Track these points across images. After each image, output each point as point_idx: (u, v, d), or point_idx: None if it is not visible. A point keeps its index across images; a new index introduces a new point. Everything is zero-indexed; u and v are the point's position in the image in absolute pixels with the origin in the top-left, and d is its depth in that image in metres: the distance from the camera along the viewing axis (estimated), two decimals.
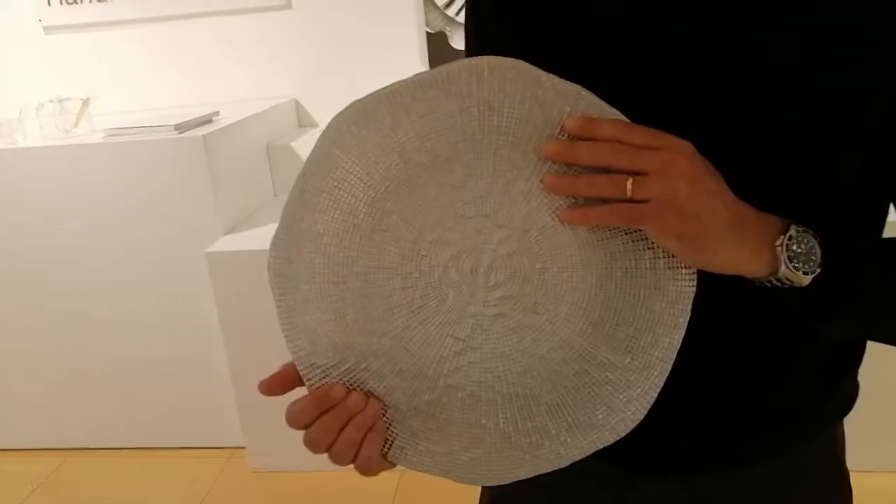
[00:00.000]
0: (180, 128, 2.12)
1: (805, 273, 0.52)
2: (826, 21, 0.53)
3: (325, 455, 0.55)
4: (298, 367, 0.56)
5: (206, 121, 2.25)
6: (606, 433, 0.56)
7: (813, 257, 0.52)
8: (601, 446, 0.56)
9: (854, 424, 0.75)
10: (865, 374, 0.70)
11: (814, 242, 0.52)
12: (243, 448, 2.27)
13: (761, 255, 0.52)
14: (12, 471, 2.40)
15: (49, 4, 2.58)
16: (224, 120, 2.28)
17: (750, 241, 0.51)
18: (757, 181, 0.54)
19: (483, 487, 0.86)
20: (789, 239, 0.52)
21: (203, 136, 2.08)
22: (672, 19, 0.56)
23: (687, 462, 0.66)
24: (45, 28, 2.62)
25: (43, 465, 2.38)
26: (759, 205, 0.54)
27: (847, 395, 0.70)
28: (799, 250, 0.52)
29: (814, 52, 0.53)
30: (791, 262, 0.51)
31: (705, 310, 0.56)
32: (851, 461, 0.74)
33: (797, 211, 0.54)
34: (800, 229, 0.52)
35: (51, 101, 2.28)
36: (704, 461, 0.66)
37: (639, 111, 0.53)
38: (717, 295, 0.57)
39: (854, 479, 0.74)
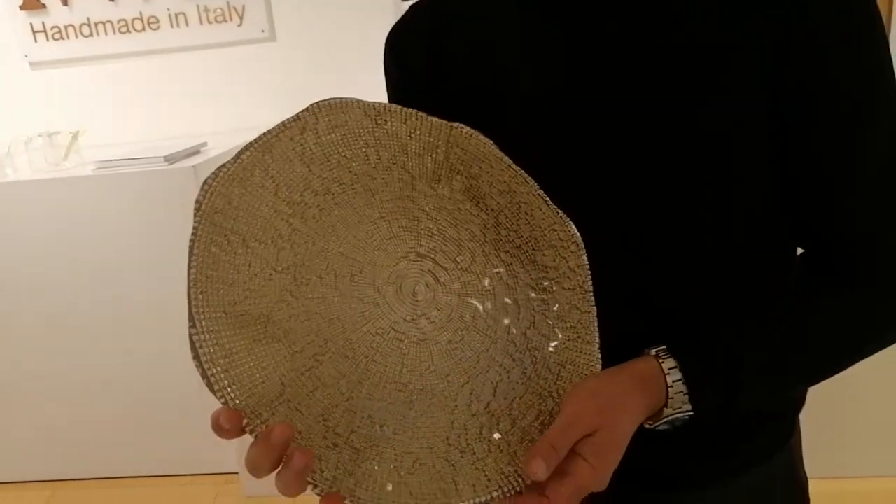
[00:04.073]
0: (170, 159, 2.16)
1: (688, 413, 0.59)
2: (710, 41, 0.58)
3: None
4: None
5: (195, 152, 2.29)
6: None
7: (686, 411, 0.58)
8: None
9: (816, 431, 0.78)
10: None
11: (683, 409, 0.58)
12: (236, 474, 2.27)
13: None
14: None
15: (35, 41, 2.62)
16: (212, 150, 2.32)
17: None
18: (651, 201, 0.60)
19: None
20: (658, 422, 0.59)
21: (193, 166, 2.12)
22: (564, 39, 0.62)
23: (656, 478, 0.69)
24: (31, 64, 2.65)
25: (33, 498, 2.37)
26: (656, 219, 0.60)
27: (797, 406, 0.75)
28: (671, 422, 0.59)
29: (699, 71, 0.58)
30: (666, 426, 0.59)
31: (662, 331, 0.62)
32: (812, 468, 0.78)
33: (696, 234, 0.61)
34: (664, 413, 0.58)
35: (40, 135, 2.31)
36: (675, 477, 0.70)
37: (536, 127, 0.60)
38: (672, 314, 0.63)
39: (814, 486, 0.78)
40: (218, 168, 0.53)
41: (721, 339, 0.60)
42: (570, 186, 0.60)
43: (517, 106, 0.64)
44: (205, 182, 0.53)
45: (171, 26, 2.56)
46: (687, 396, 0.57)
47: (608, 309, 0.60)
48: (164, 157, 2.15)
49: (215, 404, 0.53)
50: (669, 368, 0.57)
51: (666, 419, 0.58)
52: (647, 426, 0.59)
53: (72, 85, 2.66)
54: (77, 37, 2.60)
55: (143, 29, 2.57)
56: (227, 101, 2.63)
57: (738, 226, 0.62)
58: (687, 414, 0.58)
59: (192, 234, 0.52)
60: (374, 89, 0.76)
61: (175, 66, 2.61)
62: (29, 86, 2.67)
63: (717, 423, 0.65)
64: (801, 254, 0.67)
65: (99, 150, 2.42)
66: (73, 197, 2.18)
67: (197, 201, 0.52)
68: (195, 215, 0.52)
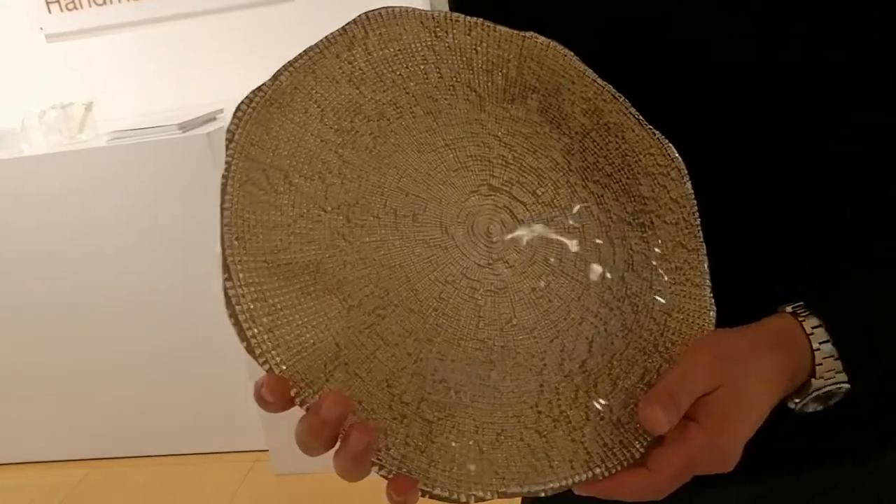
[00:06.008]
0: (184, 127, 2.09)
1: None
2: None
3: None
4: None
5: (210, 119, 2.22)
6: None
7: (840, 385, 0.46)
8: None
9: None
10: None
11: (837, 380, 0.45)
12: (266, 451, 2.23)
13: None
14: (38, 483, 2.39)
15: (49, 12, 2.55)
16: (228, 117, 2.23)
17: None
18: (745, 149, 0.50)
19: None
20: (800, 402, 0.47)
21: (207, 134, 2.05)
22: None
23: (761, 459, 0.56)
24: (46, 36, 2.59)
25: (68, 476, 2.38)
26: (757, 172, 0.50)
27: None
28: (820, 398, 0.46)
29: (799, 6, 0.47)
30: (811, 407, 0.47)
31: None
32: None
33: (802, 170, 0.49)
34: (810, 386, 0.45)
35: (53, 108, 2.26)
36: (783, 456, 0.57)
37: (605, 69, 0.50)
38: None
39: None
40: (252, 92, 0.45)
41: (872, 288, 0.47)
42: (664, 120, 0.50)
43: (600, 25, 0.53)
44: (237, 109, 0.45)
45: None
46: (839, 363, 0.44)
47: (716, 265, 0.49)
48: (178, 125, 2.08)
49: (242, 380, 0.42)
50: (813, 328, 0.44)
51: (816, 393, 0.45)
52: (794, 406, 0.46)
53: (86, 55, 2.59)
54: (91, 6, 2.53)
55: None
56: (245, 66, 2.52)
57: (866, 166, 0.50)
58: (843, 386, 0.45)
59: (225, 170, 0.44)
60: None
61: (190, 32, 2.52)
62: (44, 59, 2.61)
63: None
64: None
65: (114, 122, 2.37)
66: (89, 169, 2.13)
67: (228, 131, 0.44)
68: (227, 147, 0.44)
